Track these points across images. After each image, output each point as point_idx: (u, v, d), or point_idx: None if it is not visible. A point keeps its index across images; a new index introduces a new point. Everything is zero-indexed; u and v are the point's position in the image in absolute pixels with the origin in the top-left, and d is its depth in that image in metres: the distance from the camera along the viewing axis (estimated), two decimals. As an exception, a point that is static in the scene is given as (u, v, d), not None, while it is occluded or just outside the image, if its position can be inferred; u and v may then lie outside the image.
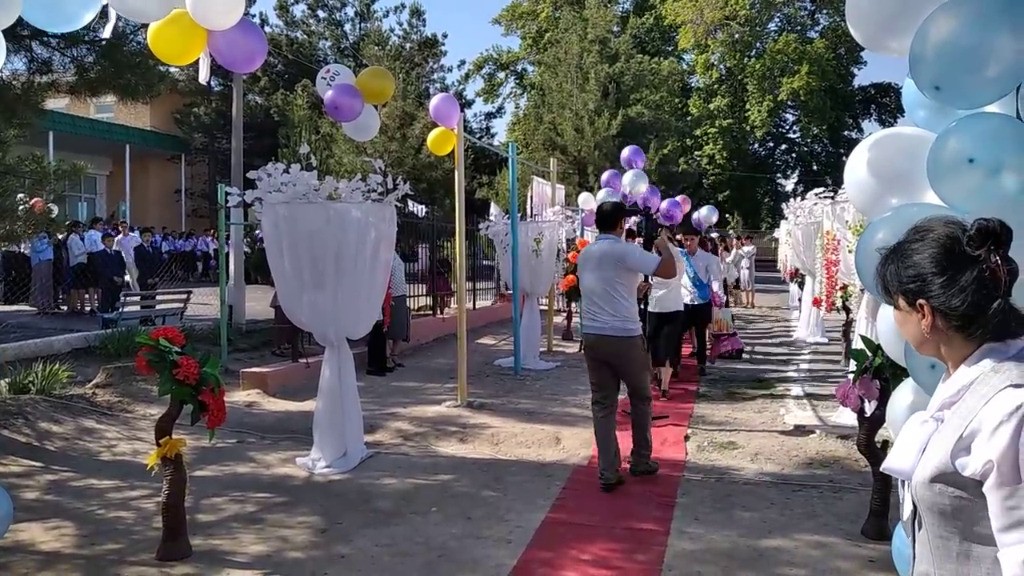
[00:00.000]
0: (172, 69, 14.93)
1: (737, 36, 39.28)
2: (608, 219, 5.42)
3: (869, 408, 4.27)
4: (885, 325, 3.13)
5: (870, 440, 4.37)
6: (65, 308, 14.31)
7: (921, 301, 1.45)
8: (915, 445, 1.46)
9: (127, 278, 14.53)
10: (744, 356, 11.04)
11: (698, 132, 38.94)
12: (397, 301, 9.99)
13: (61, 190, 7.63)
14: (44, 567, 4.01)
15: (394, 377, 9.57)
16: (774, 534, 4.44)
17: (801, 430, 6.72)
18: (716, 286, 10.30)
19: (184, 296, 12.49)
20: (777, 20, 41.63)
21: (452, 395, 8.02)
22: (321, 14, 33.22)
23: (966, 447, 1.35)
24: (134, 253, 14.75)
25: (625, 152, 12.06)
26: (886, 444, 4.42)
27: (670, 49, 42.03)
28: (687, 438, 6.56)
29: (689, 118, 38.78)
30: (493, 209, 12.40)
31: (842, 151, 37.95)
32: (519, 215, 10.45)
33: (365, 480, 5.48)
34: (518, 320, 10.06)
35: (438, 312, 13.94)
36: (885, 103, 42.92)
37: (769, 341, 13.15)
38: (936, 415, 1.46)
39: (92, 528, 4.57)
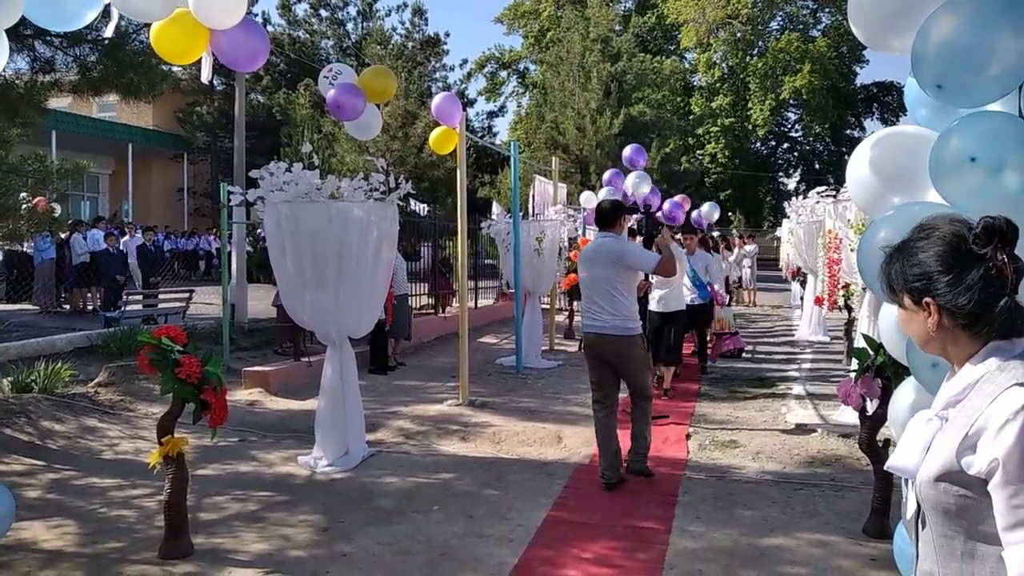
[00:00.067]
0: (175, 68, 14.93)
1: (739, 35, 39.23)
2: (607, 217, 5.40)
3: (871, 407, 4.26)
4: (887, 324, 3.13)
5: (872, 439, 4.36)
6: (67, 307, 14.33)
7: (927, 299, 1.45)
8: (919, 444, 1.45)
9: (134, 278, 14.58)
10: (745, 355, 11.04)
11: (700, 131, 38.89)
12: (399, 300, 10.00)
13: (64, 189, 7.67)
14: (46, 565, 4.02)
15: (396, 376, 9.58)
16: (776, 533, 4.44)
17: (803, 429, 6.72)
18: (717, 285, 10.30)
19: (186, 295, 12.52)
20: (779, 19, 41.60)
21: (454, 394, 8.02)
22: (323, 13, 33.27)
23: (971, 446, 1.35)
24: (136, 252, 14.78)
25: (627, 151, 12.05)
26: (888, 443, 4.42)
27: (672, 48, 42.00)
28: (689, 437, 6.56)
29: (691, 117, 38.75)
30: (495, 208, 12.41)
31: (844, 150, 37.93)
32: (521, 214, 10.46)
33: (367, 479, 5.49)
34: (520, 319, 10.06)
35: (440, 311, 13.95)
36: (887, 102, 42.85)
37: (771, 340, 13.14)
38: (940, 414, 1.46)
39: (94, 527, 4.57)
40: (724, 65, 40.62)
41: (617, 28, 31.02)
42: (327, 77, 6.58)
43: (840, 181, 11.66)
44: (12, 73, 7.56)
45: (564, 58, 27.09)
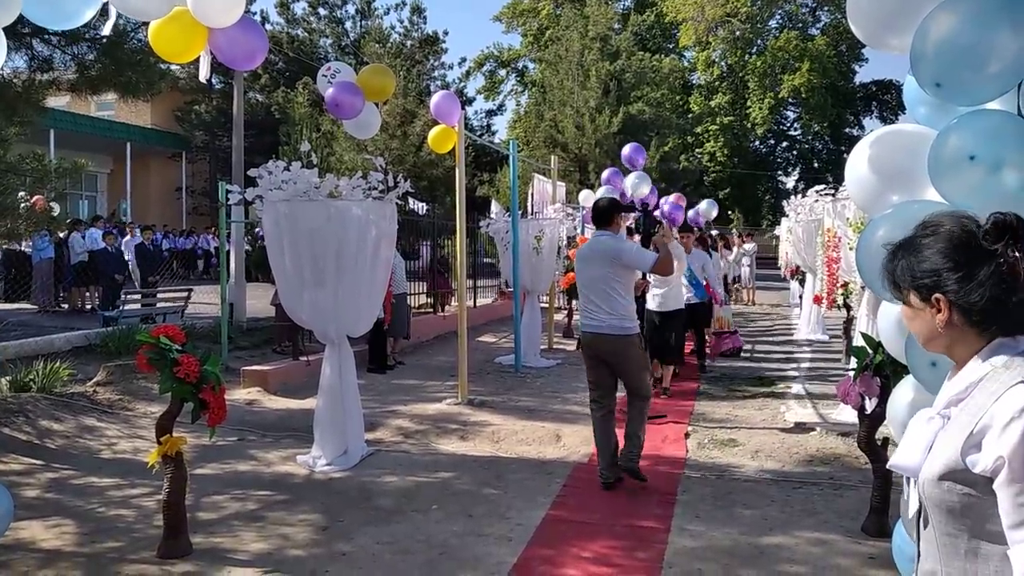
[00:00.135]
0: (173, 67, 14.90)
1: (738, 33, 39.25)
2: (604, 215, 5.34)
3: (870, 405, 4.27)
4: (886, 322, 3.13)
5: (871, 437, 4.36)
6: (66, 306, 14.32)
7: (937, 296, 1.43)
8: (921, 442, 1.45)
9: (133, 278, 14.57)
10: (744, 354, 11.04)
11: (699, 129, 38.91)
12: (398, 299, 9.99)
13: (62, 188, 7.66)
14: (45, 565, 4.01)
15: (395, 375, 9.58)
16: (775, 531, 4.45)
17: (802, 427, 6.72)
18: (715, 284, 10.29)
19: (185, 294, 12.50)
20: (778, 17, 41.62)
21: (453, 393, 8.02)
22: (322, 11, 33.26)
23: (976, 444, 1.34)
24: (135, 251, 14.77)
25: (626, 150, 12.05)
26: (887, 441, 4.42)
27: (671, 46, 42.00)
28: (688, 435, 6.56)
29: (690, 115, 38.77)
30: (494, 207, 12.41)
31: (843, 148, 37.94)
32: (520, 213, 10.45)
33: (366, 478, 5.48)
34: (519, 318, 10.06)
35: (439, 310, 13.94)
36: (886, 100, 42.86)
37: (770, 339, 13.15)
38: (943, 412, 1.45)
39: (93, 526, 4.57)
40: (723, 63, 40.64)
41: (616, 26, 31.02)
42: (326, 75, 6.58)
43: (839, 180, 11.66)
44: (10, 71, 7.55)
45: (563, 56, 27.08)
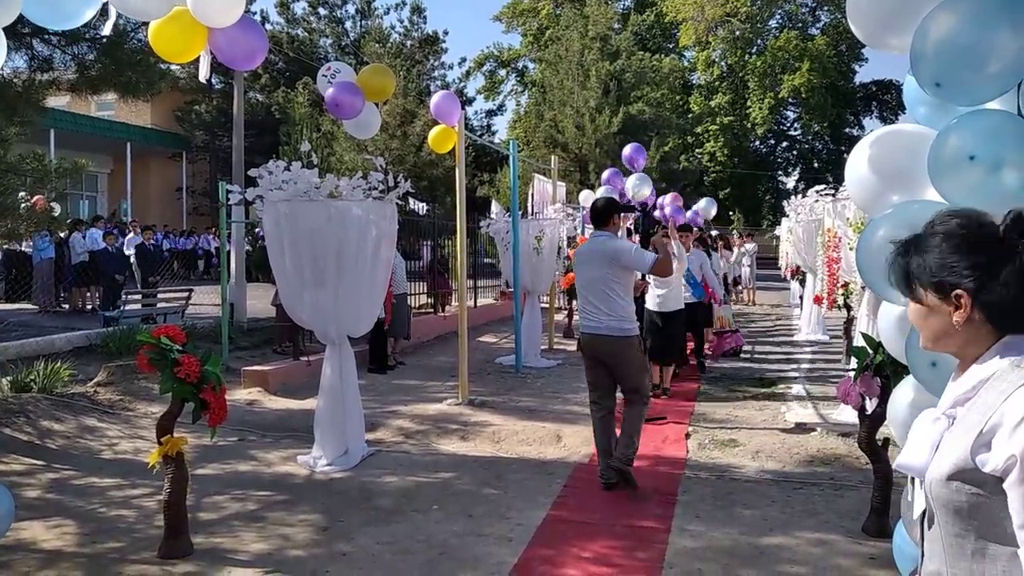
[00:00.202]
0: (173, 67, 14.91)
1: (738, 33, 39.25)
2: (601, 215, 5.30)
3: (870, 406, 4.26)
4: (886, 322, 3.13)
5: (871, 438, 4.36)
6: (66, 306, 14.32)
7: (959, 292, 1.41)
8: (927, 442, 1.43)
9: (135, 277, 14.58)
10: (745, 354, 11.03)
11: (699, 129, 38.91)
12: (398, 299, 10.00)
13: (62, 188, 7.66)
14: (46, 565, 4.01)
15: (395, 375, 9.58)
16: (775, 532, 4.44)
17: (802, 428, 6.72)
18: (716, 284, 10.29)
19: (185, 294, 12.51)
20: (778, 17, 41.62)
21: (453, 393, 8.02)
22: (322, 11, 33.27)
23: (986, 443, 1.32)
24: (135, 251, 14.77)
25: (627, 150, 12.05)
26: (887, 441, 4.42)
27: (671, 46, 42.01)
28: (688, 436, 6.56)
29: (690, 115, 38.76)
30: (494, 207, 12.41)
31: (843, 148, 37.93)
32: (520, 213, 10.45)
33: (366, 478, 5.49)
34: (519, 318, 10.06)
35: (439, 310, 13.95)
36: (886, 100, 42.86)
37: (770, 339, 13.15)
38: (948, 412, 1.44)
39: (93, 526, 4.57)
40: (723, 63, 40.64)
41: (616, 26, 31.02)
42: (326, 75, 6.58)
43: (839, 180, 11.66)
44: (10, 71, 7.55)
45: (563, 56, 27.09)
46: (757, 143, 43.52)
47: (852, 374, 4.38)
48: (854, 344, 5.75)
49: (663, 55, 38.09)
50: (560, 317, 13.17)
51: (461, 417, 7.26)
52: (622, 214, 6.52)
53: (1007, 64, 2.46)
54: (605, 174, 11.99)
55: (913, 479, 1.51)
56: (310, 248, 5.67)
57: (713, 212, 15.13)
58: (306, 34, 33.02)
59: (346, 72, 6.60)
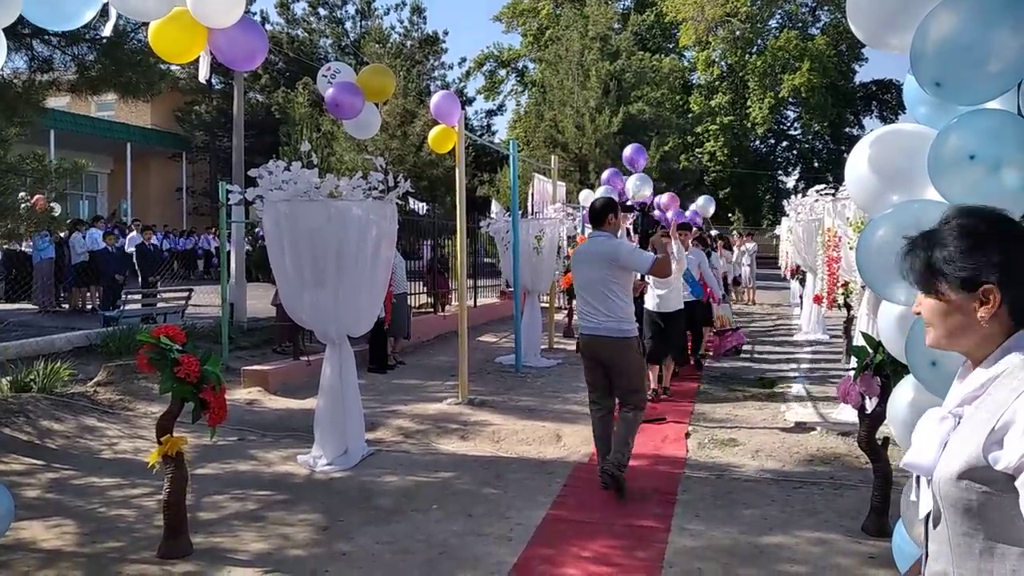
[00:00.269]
0: (173, 67, 14.93)
1: (738, 33, 39.25)
2: (599, 215, 5.25)
3: (870, 405, 4.26)
4: (886, 322, 3.13)
5: (871, 437, 4.36)
6: (67, 306, 14.33)
7: (988, 287, 1.38)
8: (935, 441, 1.42)
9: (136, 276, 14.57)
10: (744, 354, 11.03)
11: (699, 129, 38.92)
12: (398, 299, 10.00)
13: (62, 188, 7.66)
14: (45, 565, 4.01)
15: (395, 375, 9.58)
16: (775, 531, 4.45)
17: (802, 427, 6.72)
18: (715, 283, 10.28)
19: (185, 294, 12.52)
20: (778, 17, 41.62)
21: (453, 392, 8.02)
22: (322, 12, 33.29)
23: (998, 440, 1.31)
24: (135, 251, 14.77)
25: (627, 151, 12.05)
26: (887, 441, 4.42)
27: (671, 46, 42.01)
28: (688, 435, 6.56)
29: (690, 115, 38.76)
30: (494, 207, 12.41)
31: (843, 148, 37.93)
32: (520, 212, 10.45)
33: (366, 478, 5.49)
34: (519, 317, 10.06)
35: (439, 310, 13.95)
36: (886, 100, 42.87)
37: (770, 338, 13.15)
38: (955, 411, 1.43)
39: (93, 526, 4.57)
40: (723, 63, 40.64)
41: (616, 26, 31.02)
42: (326, 76, 6.58)
43: (839, 179, 11.66)
44: (10, 72, 7.56)
45: (563, 56, 27.09)
46: (757, 143, 43.53)
47: (852, 373, 4.38)
48: (854, 343, 5.75)
49: (663, 55, 38.10)
50: (560, 317, 13.17)
51: (461, 417, 7.26)
52: (621, 214, 6.50)
53: (1007, 63, 2.46)
54: (605, 174, 11.99)
55: (918, 478, 1.49)
56: (310, 248, 5.67)
57: (711, 209, 15.12)
58: (306, 34, 33.03)
59: (346, 72, 6.60)
